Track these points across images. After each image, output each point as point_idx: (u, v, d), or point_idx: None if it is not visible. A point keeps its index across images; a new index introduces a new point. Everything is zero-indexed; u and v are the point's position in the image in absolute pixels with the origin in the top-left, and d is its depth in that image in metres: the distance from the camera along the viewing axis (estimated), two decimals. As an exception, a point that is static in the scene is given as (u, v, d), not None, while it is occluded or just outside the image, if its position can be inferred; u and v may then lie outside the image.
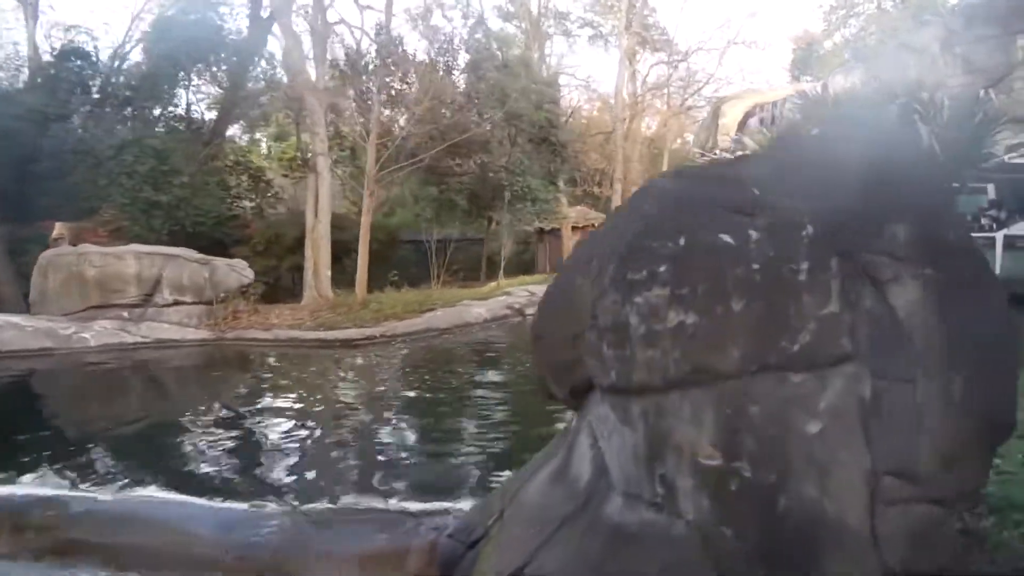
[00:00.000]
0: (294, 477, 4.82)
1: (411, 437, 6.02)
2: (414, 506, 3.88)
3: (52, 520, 3.95)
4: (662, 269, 2.18)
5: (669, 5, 54.73)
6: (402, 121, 18.33)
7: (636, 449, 2.33)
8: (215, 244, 16.18)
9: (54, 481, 4.68)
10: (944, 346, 2.12)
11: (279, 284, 17.53)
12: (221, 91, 20.96)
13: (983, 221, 9.08)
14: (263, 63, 20.82)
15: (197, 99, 21.28)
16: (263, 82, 20.93)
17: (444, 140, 17.38)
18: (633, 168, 27.94)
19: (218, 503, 4.14)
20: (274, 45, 20.14)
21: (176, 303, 11.03)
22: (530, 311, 11.30)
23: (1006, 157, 8.10)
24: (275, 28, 18.14)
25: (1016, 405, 2.41)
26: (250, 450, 5.63)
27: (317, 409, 6.93)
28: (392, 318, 11.38)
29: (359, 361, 9.58)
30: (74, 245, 11.72)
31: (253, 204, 20.02)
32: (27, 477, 4.69)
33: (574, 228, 22.49)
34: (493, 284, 17.14)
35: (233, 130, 23.07)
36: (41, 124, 16.26)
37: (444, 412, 6.67)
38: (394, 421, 6.42)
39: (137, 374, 9.04)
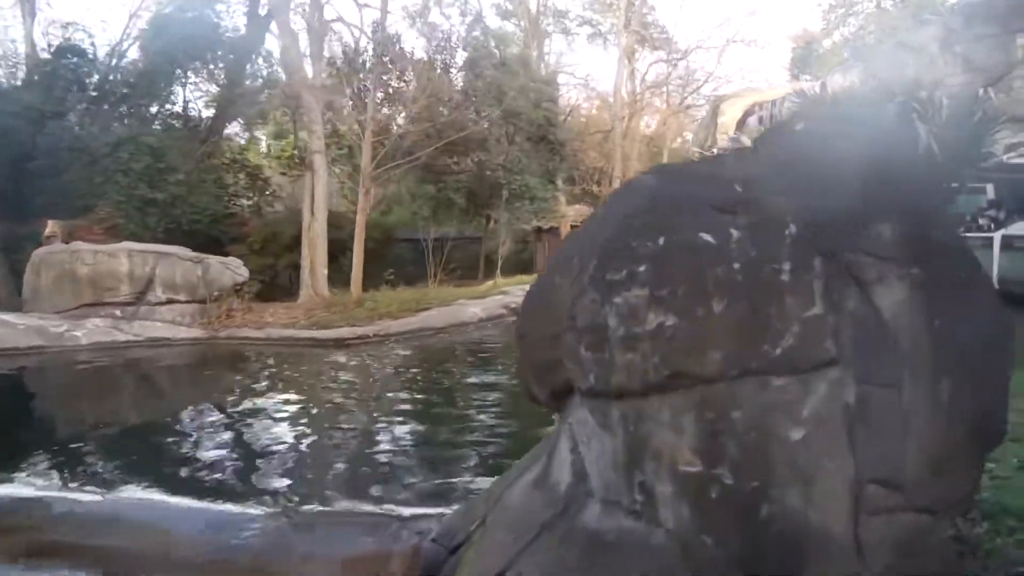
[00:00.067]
0: (278, 479, 4.78)
1: (397, 440, 5.94)
2: (398, 510, 3.84)
3: (32, 521, 3.90)
4: (641, 269, 2.11)
5: (668, 3, 54.75)
6: (400, 119, 18.28)
7: (615, 455, 2.27)
8: (212, 242, 16.14)
9: (38, 482, 4.64)
10: (931, 349, 2.06)
11: (276, 282, 17.47)
12: (218, 89, 20.88)
13: (981, 221, 9.01)
14: (260, 61, 20.80)
15: (194, 97, 21.23)
16: (260, 80, 20.87)
17: (441, 138, 17.31)
18: (632, 167, 27.83)
19: (200, 505, 4.10)
20: (272, 43, 20.10)
21: (169, 301, 10.98)
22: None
23: (1004, 157, 8.03)
24: (272, 26, 18.08)
25: (1007, 409, 2.34)
26: (235, 451, 5.58)
27: (305, 410, 6.88)
28: (387, 317, 11.32)
29: (350, 361, 9.52)
30: (67, 243, 11.67)
31: (250, 202, 19.96)
32: (11, 477, 4.63)
33: (573, 227, 22.38)
34: (490, 283, 17.06)
35: (232, 128, 23.03)
36: (37, 121, 16.21)
37: (434, 414, 6.61)
38: (381, 423, 6.36)
39: (127, 373, 8.99)
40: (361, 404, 7.05)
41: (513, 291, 14.31)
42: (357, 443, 5.73)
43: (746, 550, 2.10)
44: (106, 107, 18.46)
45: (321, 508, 4.10)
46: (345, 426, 6.24)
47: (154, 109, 19.46)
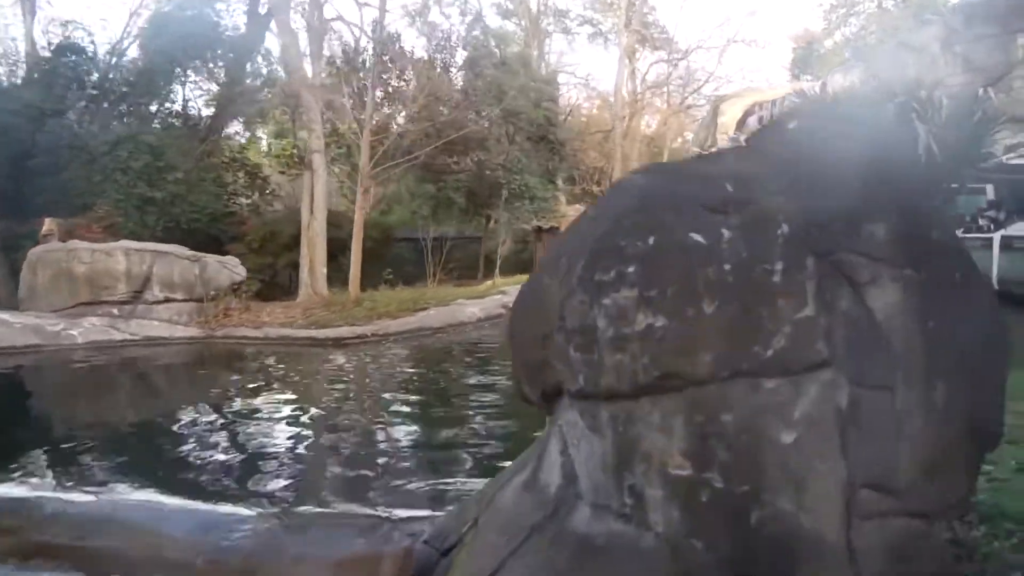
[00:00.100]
0: (270, 480, 4.74)
1: (391, 441, 5.91)
2: (390, 511, 3.80)
3: (22, 522, 3.87)
4: (631, 269, 2.08)
5: (669, 3, 54.30)
6: (399, 118, 18.25)
7: (604, 457, 2.24)
8: (211, 241, 16.11)
9: (31, 481, 4.62)
10: (925, 350, 2.02)
11: (275, 281, 17.44)
12: (218, 87, 20.85)
13: (981, 222, 8.98)
14: (260, 59, 20.74)
15: (194, 95, 21.17)
16: (260, 79, 20.82)
17: (441, 137, 17.27)
18: (632, 167, 27.79)
19: (191, 506, 4.07)
20: (272, 42, 20.06)
21: (167, 300, 10.96)
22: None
23: (1004, 157, 7.99)
24: (272, 24, 18.04)
25: (1003, 411, 2.31)
26: (228, 452, 5.55)
27: (300, 410, 6.83)
28: (385, 316, 11.30)
29: (348, 361, 9.49)
30: (64, 241, 11.64)
31: (249, 201, 19.91)
32: (3, 477, 4.60)
33: (572, 227, 22.33)
34: (489, 283, 17.04)
35: (233, 127, 23.00)
36: (37, 120, 16.17)
37: (430, 415, 6.57)
38: (376, 424, 6.32)
39: (122, 372, 8.97)
40: (357, 404, 7.02)
41: (512, 291, 14.26)
42: (351, 444, 5.69)
43: (737, 555, 2.06)
44: (106, 105, 18.42)
45: (313, 509, 4.07)
46: (339, 426, 6.21)
47: (154, 108, 19.41)
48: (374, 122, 16.30)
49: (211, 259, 11.78)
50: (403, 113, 17.73)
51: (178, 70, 19.28)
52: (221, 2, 19.80)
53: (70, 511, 3.97)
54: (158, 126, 18.56)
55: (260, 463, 5.14)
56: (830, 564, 2.03)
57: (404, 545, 3.40)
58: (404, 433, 6.06)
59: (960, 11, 12.67)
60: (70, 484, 4.51)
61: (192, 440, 5.80)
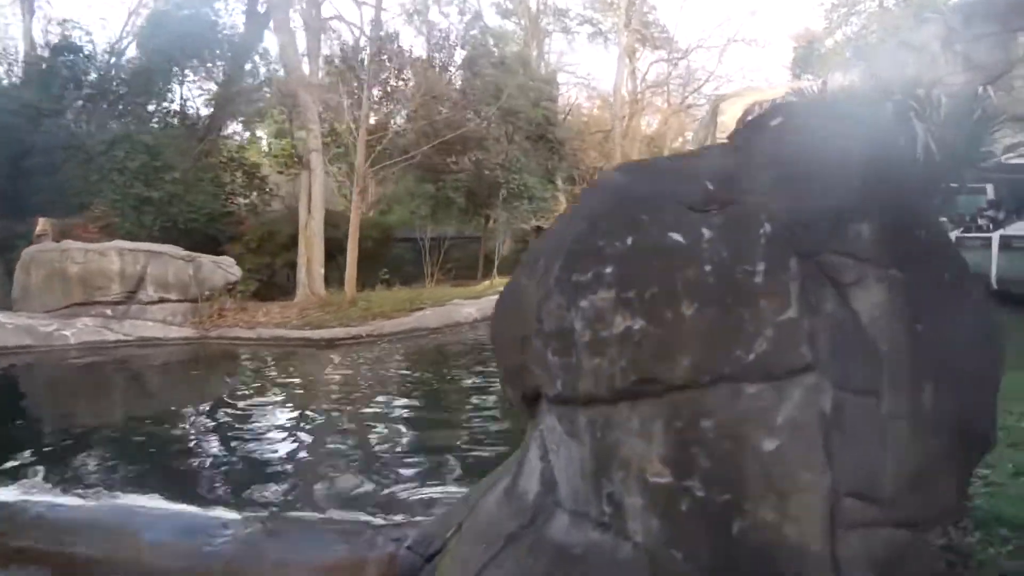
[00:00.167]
0: (255, 483, 4.68)
1: (379, 443, 5.81)
2: (374, 517, 3.75)
3: (0, 527, 3.82)
4: (608, 270, 2.01)
5: (669, 2, 54.29)
6: (398, 118, 18.18)
7: (583, 464, 2.17)
8: (209, 241, 16.03)
9: (13, 485, 4.56)
10: (912, 354, 1.95)
11: (273, 281, 17.36)
12: (216, 87, 20.80)
13: (980, 221, 8.91)
14: (259, 59, 20.70)
15: (192, 95, 21.14)
16: (259, 78, 20.78)
17: (439, 137, 17.21)
18: (632, 167, 27.66)
19: (173, 509, 4.01)
20: (270, 41, 20.02)
21: (161, 300, 10.89)
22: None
23: (1004, 157, 7.93)
24: (271, 24, 17.99)
25: (996, 415, 2.23)
26: (216, 454, 5.49)
27: (291, 412, 6.77)
28: (381, 317, 11.23)
29: (341, 362, 9.42)
30: (59, 241, 11.59)
31: (248, 201, 19.85)
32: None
33: (572, 226, 22.26)
34: (486, 283, 16.97)
35: (232, 127, 22.96)
36: (34, 119, 16.11)
37: (421, 418, 6.50)
38: (365, 426, 6.24)
39: (115, 373, 8.90)
40: (346, 406, 6.94)
41: (510, 291, 14.18)
42: (337, 446, 5.62)
43: (718, 565, 1.99)
44: (104, 105, 18.36)
45: (296, 514, 4.01)
46: (327, 429, 6.14)
47: (152, 107, 19.37)
48: (371, 121, 16.23)
49: (206, 259, 11.72)
50: (401, 112, 17.66)
51: (176, 69, 19.24)
52: (219, 1, 19.81)
53: (51, 516, 3.91)
54: (156, 126, 18.52)
55: (247, 467, 5.09)
56: (813, 575, 1.96)
57: (388, 551, 3.35)
58: (393, 435, 5.97)
59: (960, 10, 12.60)
60: (51, 487, 4.45)
61: (182, 442, 5.75)
